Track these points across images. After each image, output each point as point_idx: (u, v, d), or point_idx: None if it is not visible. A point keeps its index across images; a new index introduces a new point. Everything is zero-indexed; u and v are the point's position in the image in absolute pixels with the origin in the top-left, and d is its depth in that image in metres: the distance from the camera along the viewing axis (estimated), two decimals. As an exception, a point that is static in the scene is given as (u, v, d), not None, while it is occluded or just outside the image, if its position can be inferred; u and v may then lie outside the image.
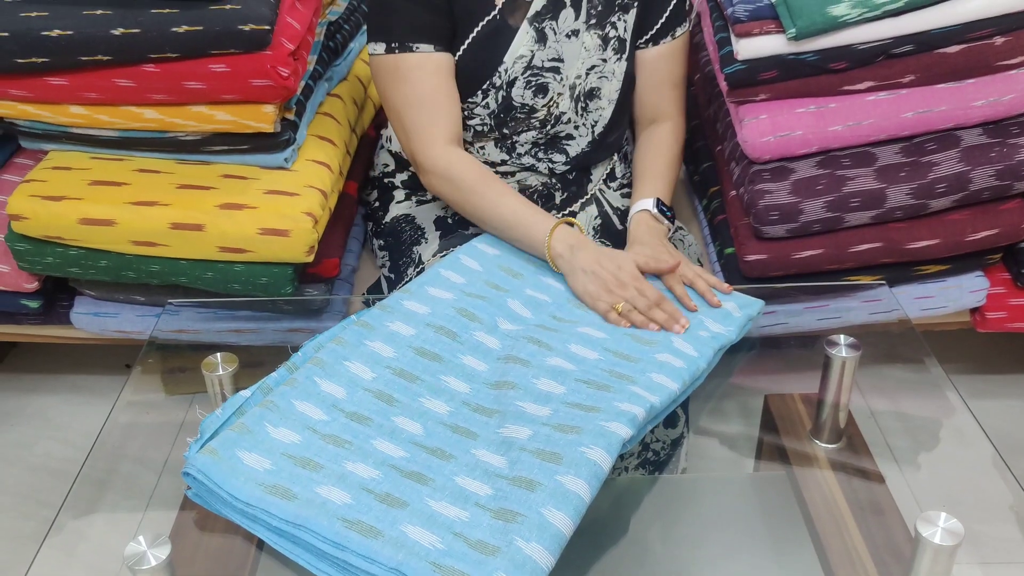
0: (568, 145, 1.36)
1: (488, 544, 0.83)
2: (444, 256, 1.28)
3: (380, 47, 1.24)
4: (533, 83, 1.28)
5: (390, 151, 1.51)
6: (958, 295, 1.54)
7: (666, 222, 1.32)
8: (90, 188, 1.40)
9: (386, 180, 1.51)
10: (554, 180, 1.39)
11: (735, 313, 1.19)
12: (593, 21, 1.29)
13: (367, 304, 1.23)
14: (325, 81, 1.58)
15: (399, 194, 1.49)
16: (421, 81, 1.24)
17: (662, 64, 1.36)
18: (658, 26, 1.33)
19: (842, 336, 1.12)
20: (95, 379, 1.87)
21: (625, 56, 1.33)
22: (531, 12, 1.26)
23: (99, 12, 1.31)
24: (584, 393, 1.02)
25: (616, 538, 1.03)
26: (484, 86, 1.28)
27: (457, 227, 1.40)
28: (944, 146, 1.39)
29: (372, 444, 0.94)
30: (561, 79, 1.29)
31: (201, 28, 1.29)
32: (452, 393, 1.03)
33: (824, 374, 1.13)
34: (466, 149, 1.35)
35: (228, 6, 1.30)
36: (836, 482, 1.09)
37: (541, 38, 1.26)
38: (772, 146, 1.39)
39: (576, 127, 1.34)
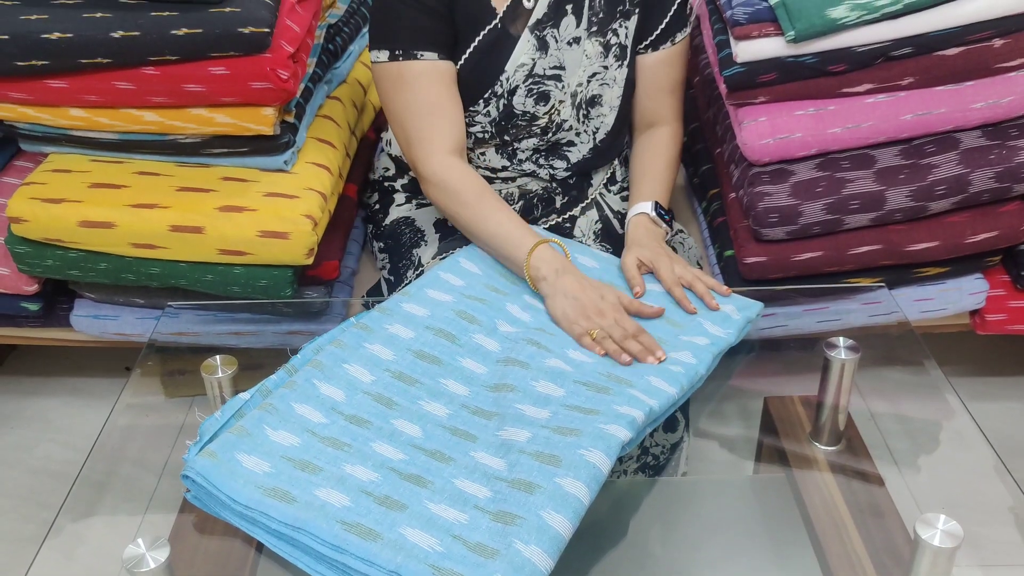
0: (569, 152, 1.36)
1: (487, 547, 0.83)
2: (443, 259, 1.28)
3: (383, 54, 1.24)
4: (535, 91, 1.28)
5: (390, 155, 1.51)
6: (957, 297, 1.54)
7: (664, 225, 1.32)
8: (90, 191, 1.40)
9: (386, 184, 1.52)
10: (555, 185, 1.39)
11: (734, 315, 1.19)
12: (594, 28, 1.29)
13: (367, 306, 1.23)
14: (325, 84, 1.58)
15: (399, 197, 1.49)
16: (424, 88, 1.24)
17: (662, 69, 1.36)
18: (658, 32, 1.33)
19: (841, 338, 1.12)
20: (95, 381, 1.87)
21: (626, 63, 1.33)
22: (532, 20, 1.26)
23: (99, 15, 1.31)
24: (583, 396, 1.02)
25: (615, 540, 1.03)
26: (486, 95, 1.28)
27: (457, 230, 1.40)
28: (943, 148, 1.39)
29: (371, 447, 0.94)
30: (562, 87, 1.29)
31: (201, 31, 1.29)
32: (451, 396, 1.03)
33: (823, 376, 1.13)
34: (467, 155, 1.35)
35: (228, 9, 1.30)
36: (835, 484, 1.09)
37: (542, 46, 1.26)
38: (771, 148, 1.39)
39: (578, 134, 1.34)
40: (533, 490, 0.88)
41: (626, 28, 1.31)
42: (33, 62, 1.32)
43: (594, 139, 1.36)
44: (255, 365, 1.15)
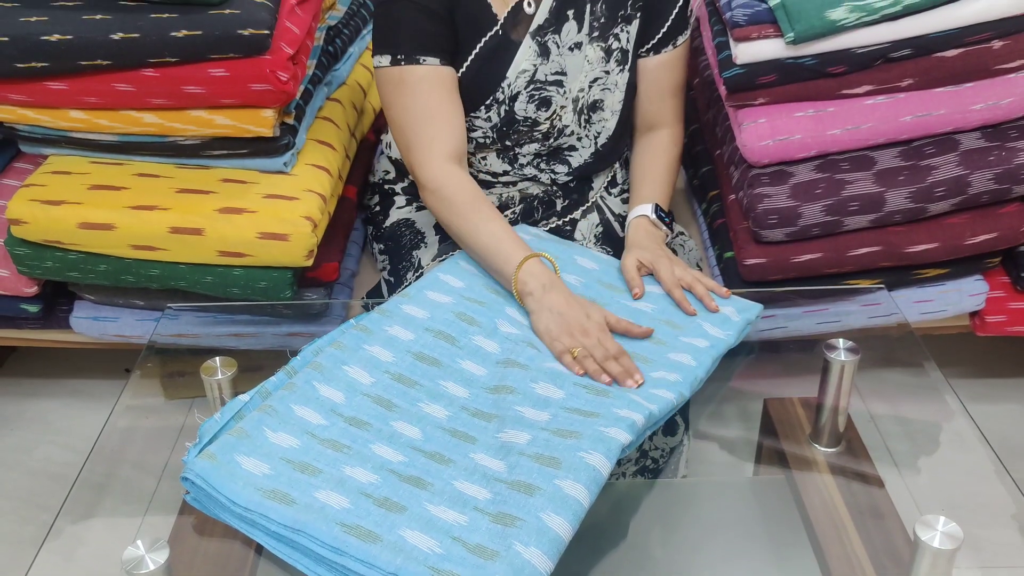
0: (571, 156, 1.36)
1: (487, 548, 0.83)
2: (443, 260, 1.28)
3: (385, 59, 1.24)
4: (536, 97, 1.28)
5: (390, 157, 1.51)
6: (957, 299, 1.54)
7: (664, 228, 1.32)
8: (89, 192, 1.40)
9: (386, 187, 1.52)
10: (555, 188, 1.39)
11: (734, 317, 1.19)
12: (596, 33, 1.29)
13: (366, 308, 1.23)
14: (324, 85, 1.58)
15: (400, 200, 1.49)
16: (425, 93, 1.23)
17: (663, 72, 1.36)
18: (660, 35, 1.33)
19: (841, 340, 1.12)
20: (94, 383, 1.87)
21: (628, 67, 1.32)
22: (533, 26, 1.26)
23: (99, 17, 1.31)
24: (583, 398, 1.02)
25: (615, 542, 1.03)
26: (487, 101, 1.28)
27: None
28: (943, 150, 1.39)
29: (371, 448, 0.94)
30: (564, 92, 1.29)
31: (200, 33, 1.29)
32: (451, 398, 1.03)
33: (823, 378, 1.13)
34: (468, 160, 1.35)
35: (227, 10, 1.30)
36: (835, 486, 1.09)
37: (544, 52, 1.26)
38: (771, 150, 1.39)
39: (579, 139, 1.34)
40: (533, 492, 0.88)
41: (627, 32, 1.31)
42: (33, 64, 1.32)
43: (595, 144, 1.36)
44: (255, 367, 1.14)
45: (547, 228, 1.38)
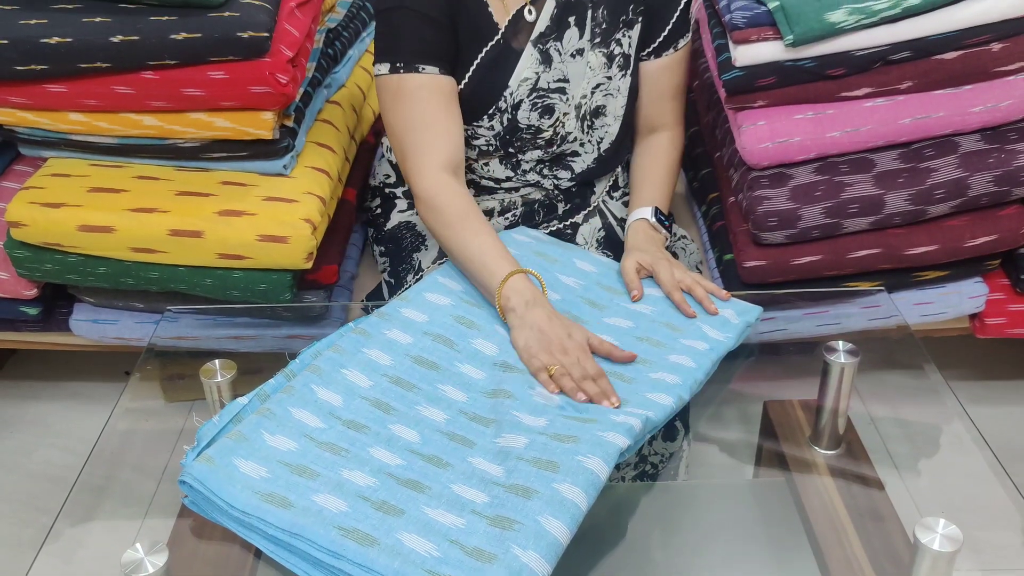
0: (574, 162, 1.36)
1: (485, 551, 0.83)
2: (443, 263, 1.28)
3: (385, 67, 1.24)
4: (539, 105, 1.27)
5: (390, 161, 1.51)
6: (957, 301, 1.54)
7: (663, 231, 1.32)
8: (89, 195, 1.40)
9: (387, 190, 1.51)
10: (558, 193, 1.39)
11: (733, 320, 1.19)
12: (598, 39, 1.28)
13: (366, 311, 1.23)
14: (324, 88, 1.58)
15: (401, 203, 1.49)
16: (422, 102, 1.22)
17: (664, 75, 1.36)
18: (661, 39, 1.32)
19: (841, 342, 1.12)
20: (94, 386, 1.87)
21: (630, 71, 1.32)
22: (535, 34, 1.26)
23: (98, 19, 1.31)
24: (580, 404, 1.02)
25: (614, 545, 1.03)
26: (490, 110, 1.27)
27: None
28: (942, 152, 1.39)
29: (369, 452, 0.94)
30: (567, 99, 1.29)
31: (200, 35, 1.29)
32: (449, 402, 1.03)
33: (823, 380, 1.13)
34: (470, 166, 1.35)
35: (227, 13, 1.30)
36: (835, 488, 1.08)
37: (546, 60, 1.26)
38: (770, 152, 1.39)
39: (582, 144, 1.34)
40: (531, 495, 0.88)
41: (629, 37, 1.30)
42: (32, 66, 1.32)
43: (598, 149, 1.36)
44: (254, 369, 1.14)
45: (548, 232, 1.37)
